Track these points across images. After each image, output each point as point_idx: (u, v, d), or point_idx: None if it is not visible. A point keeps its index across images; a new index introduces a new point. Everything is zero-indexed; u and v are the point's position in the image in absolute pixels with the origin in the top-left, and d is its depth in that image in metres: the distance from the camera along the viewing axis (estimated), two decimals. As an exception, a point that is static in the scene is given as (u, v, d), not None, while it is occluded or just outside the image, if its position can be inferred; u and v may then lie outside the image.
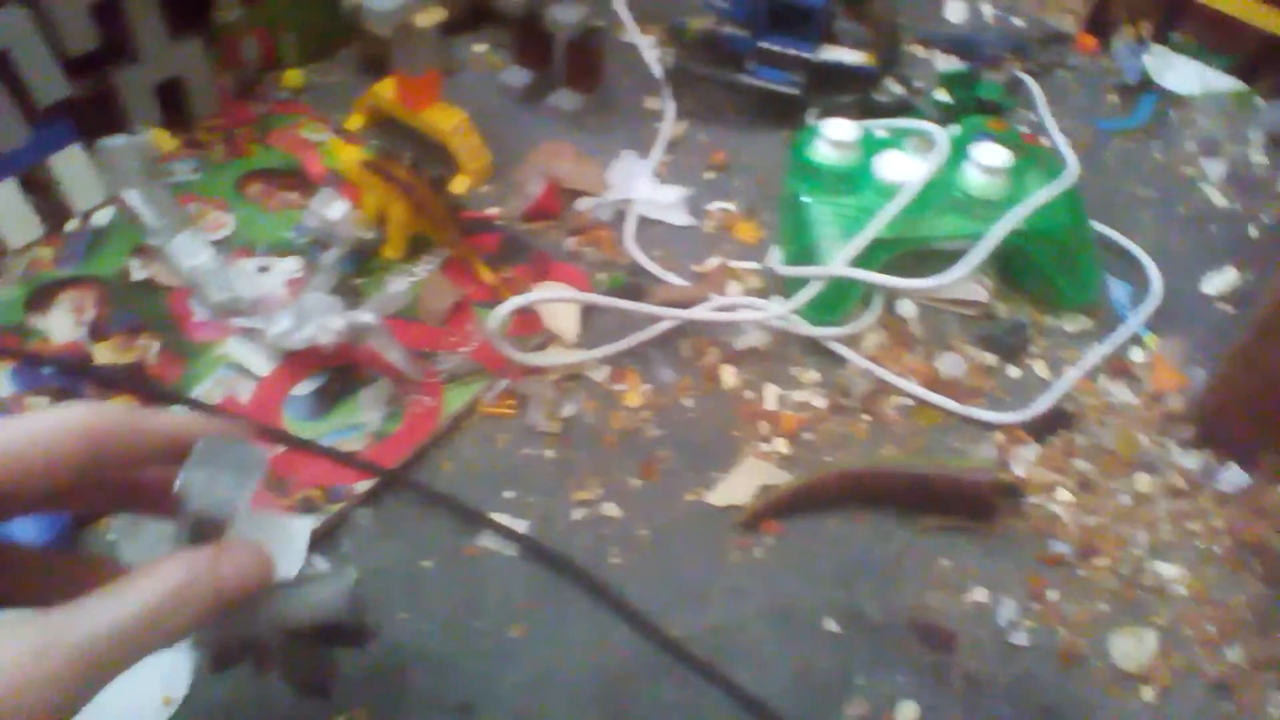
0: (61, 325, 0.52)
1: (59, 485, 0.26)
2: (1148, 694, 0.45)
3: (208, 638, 0.31)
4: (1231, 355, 0.54)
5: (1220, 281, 0.64)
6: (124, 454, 0.27)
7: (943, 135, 0.60)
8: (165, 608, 0.25)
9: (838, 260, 0.55)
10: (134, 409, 0.29)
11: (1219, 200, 0.70)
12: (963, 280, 0.56)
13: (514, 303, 0.51)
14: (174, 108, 0.63)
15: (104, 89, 0.59)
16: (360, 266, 0.57)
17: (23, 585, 0.29)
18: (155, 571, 0.25)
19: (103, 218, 0.59)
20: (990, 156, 0.58)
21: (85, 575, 0.28)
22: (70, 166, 0.57)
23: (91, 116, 0.58)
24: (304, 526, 0.30)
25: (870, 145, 0.60)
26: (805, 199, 0.58)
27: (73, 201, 0.58)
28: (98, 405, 0.27)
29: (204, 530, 0.28)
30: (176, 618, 0.25)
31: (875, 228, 0.55)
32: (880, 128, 0.63)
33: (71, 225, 0.58)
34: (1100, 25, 0.82)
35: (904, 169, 0.58)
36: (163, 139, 0.62)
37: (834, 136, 0.58)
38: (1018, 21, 0.82)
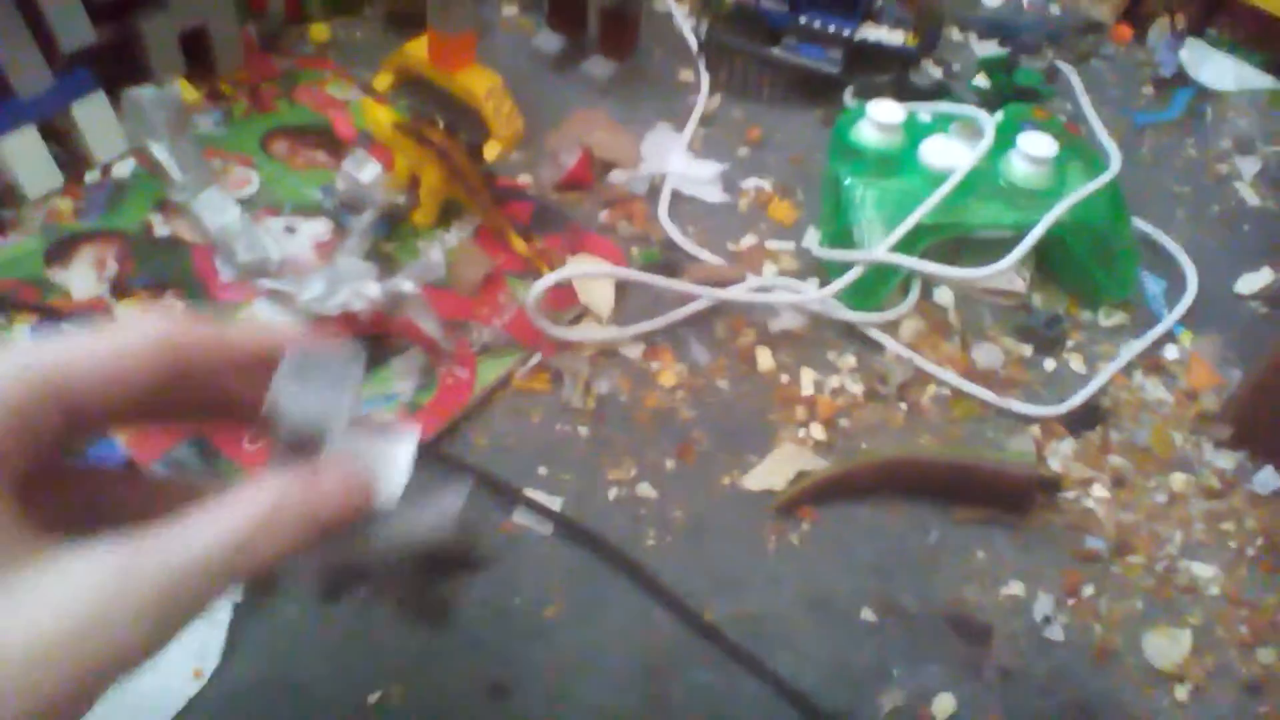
0: (83, 280, 0.51)
1: (141, 397, 0.24)
2: (1181, 693, 0.45)
3: (314, 566, 0.29)
4: (1268, 358, 0.54)
5: (1255, 281, 0.64)
6: (206, 364, 0.25)
7: (989, 122, 0.59)
8: (258, 532, 0.23)
9: (881, 245, 0.54)
10: (215, 318, 0.27)
11: (1253, 199, 0.70)
12: (1006, 270, 0.55)
13: (554, 276, 0.50)
14: (197, 58, 0.61)
15: (128, 37, 0.57)
16: (390, 231, 0.56)
17: (105, 509, 0.27)
18: (247, 493, 0.23)
19: (123, 169, 0.57)
20: (1037, 146, 0.57)
21: (171, 499, 0.26)
22: (92, 115, 0.55)
23: (115, 65, 0.56)
24: (408, 443, 0.27)
25: (914, 129, 0.59)
26: (848, 180, 0.57)
27: (93, 151, 0.56)
28: (176, 313, 0.26)
29: (299, 447, 0.25)
30: (270, 543, 0.23)
31: (921, 213, 0.54)
32: (925, 111, 0.62)
33: (91, 176, 0.56)
34: (1136, 16, 0.81)
35: (949, 154, 0.57)
36: (186, 90, 0.60)
37: (879, 119, 0.57)
38: (1055, 8, 0.81)
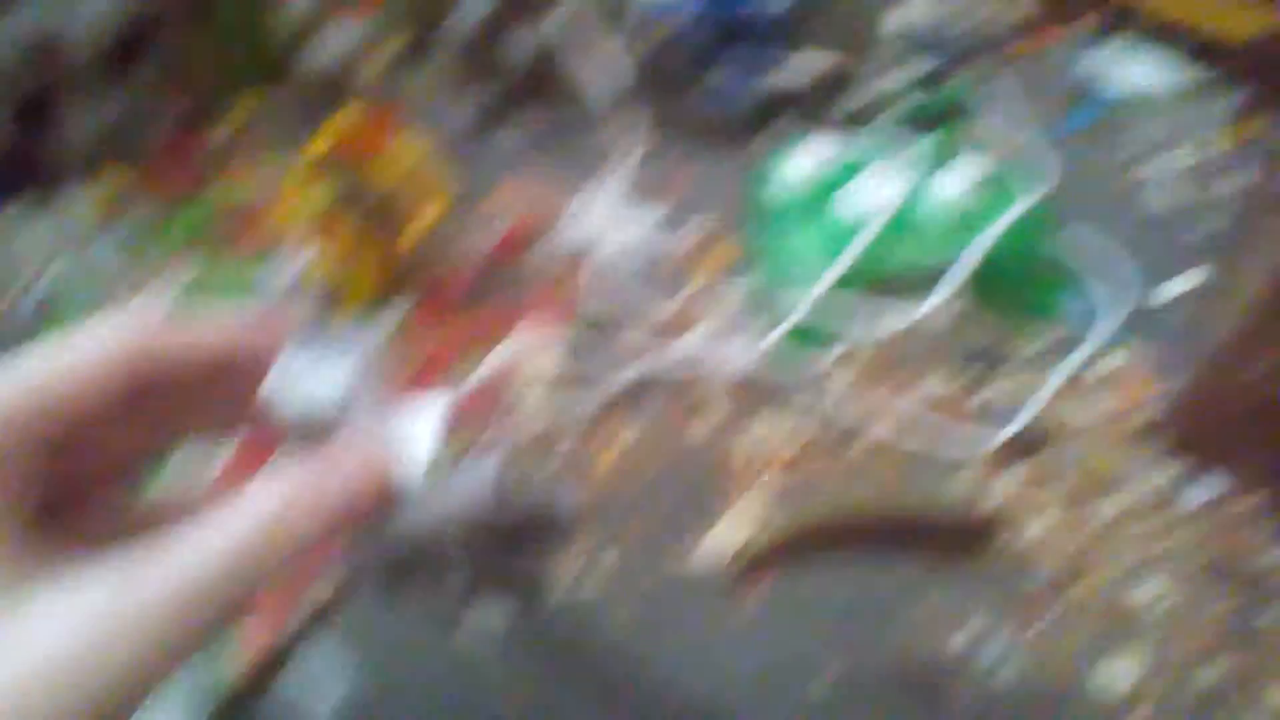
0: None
1: (109, 406, 0.23)
2: (1139, 718, 0.46)
3: (368, 554, 0.27)
4: (1198, 362, 0.55)
5: (1182, 283, 0.65)
6: (176, 360, 0.24)
7: (911, 155, 0.59)
8: (270, 532, 0.21)
9: (812, 293, 0.55)
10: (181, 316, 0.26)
11: (1173, 198, 0.71)
12: (937, 304, 0.56)
13: (479, 376, 0.50)
14: (121, 150, 0.61)
15: (49, 137, 0.56)
16: (325, 319, 0.56)
17: (135, 522, 0.25)
18: (257, 491, 0.22)
19: (51, 284, 0.56)
20: (959, 176, 0.57)
21: (192, 505, 0.24)
22: (13, 230, 0.54)
23: (35, 167, 0.55)
24: (434, 406, 0.26)
25: (839, 168, 0.60)
26: (774, 228, 0.58)
27: (18, 267, 0.55)
28: (137, 313, 0.24)
29: (309, 433, 0.24)
30: (285, 541, 0.22)
31: (846, 260, 0.55)
32: (847, 149, 0.62)
33: (17, 293, 0.55)
34: (1049, 23, 0.82)
35: (875, 193, 0.58)
36: (111, 184, 0.60)
37: (801, 163, 0.58)
38: (970, 21, 0.82)
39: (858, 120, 0.69)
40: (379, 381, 0.25)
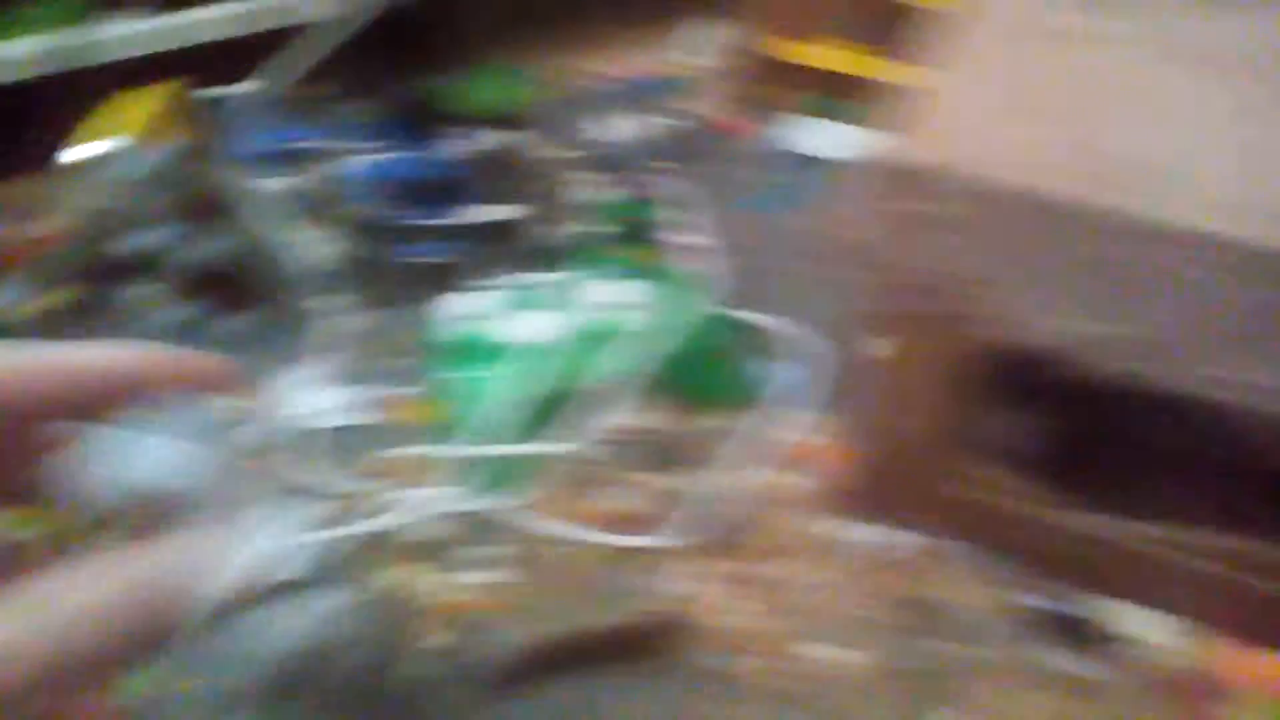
0: None
1: None
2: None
3: (234, 671, 0.24)
4: (874, 428, 0.57)
5: (866, 350, 0.67)
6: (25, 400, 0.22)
7: (579, 283, 0.63)
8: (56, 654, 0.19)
9: (506, 431, 0.57)
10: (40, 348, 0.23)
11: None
12: (624, 415, 0.58)
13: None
14: None
15: None
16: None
17: None
18: (49, 598, 0.20)
19: None
20: (643, 289, 0.61)
21: None
22: None
23: None
24: (296, 513, 0.23)
25: (524, 305, 0.63)
26: (456, 377, 0.60)
27: None
28: None
29: (126, 526, 0.21)
30: (74, 657, 0.19)
31: (524, 396, 0.57)
32: (535, 285, 0.65)
33: None
34: (746, 109, 0.87)
35: (549, 325, 0.61)
36: None
37: (486, 308, 0.61)
38: (668, 124, 0.86)
39: (548, 255, 0.72)
40: (220, 474, 0.22)
